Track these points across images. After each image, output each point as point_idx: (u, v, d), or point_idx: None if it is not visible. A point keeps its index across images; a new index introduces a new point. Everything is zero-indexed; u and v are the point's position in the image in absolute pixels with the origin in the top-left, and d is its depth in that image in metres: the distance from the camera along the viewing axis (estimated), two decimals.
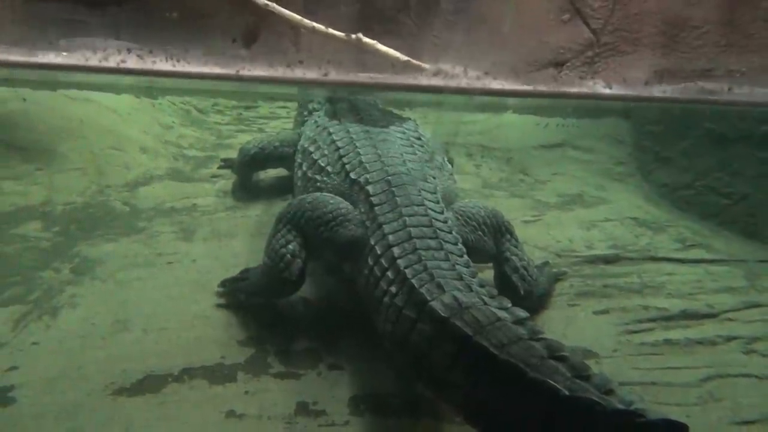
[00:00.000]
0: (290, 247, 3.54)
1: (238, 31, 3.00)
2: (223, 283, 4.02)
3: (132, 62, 2.77)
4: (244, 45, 2.99)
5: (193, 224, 4.84)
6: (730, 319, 4.01)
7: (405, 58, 3.33)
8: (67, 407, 3.08)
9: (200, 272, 4.20)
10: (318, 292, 4.05)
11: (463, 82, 3.12)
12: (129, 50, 2.74)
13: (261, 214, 5.03)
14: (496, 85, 3.28)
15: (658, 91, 3.39)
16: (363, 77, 3.06)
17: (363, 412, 3.18)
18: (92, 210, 4.90)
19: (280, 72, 2.97)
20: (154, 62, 2.77)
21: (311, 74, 2.96)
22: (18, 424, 3.00)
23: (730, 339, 3.83)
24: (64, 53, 2.75)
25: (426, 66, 3.35)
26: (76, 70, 2.87)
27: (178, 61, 2.81)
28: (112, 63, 2.76)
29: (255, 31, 3.01)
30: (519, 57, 3.44)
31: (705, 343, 3.79)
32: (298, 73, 2.94)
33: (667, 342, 3.80)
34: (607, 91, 3.33)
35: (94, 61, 2.75)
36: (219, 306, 3.88)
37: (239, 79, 2.93)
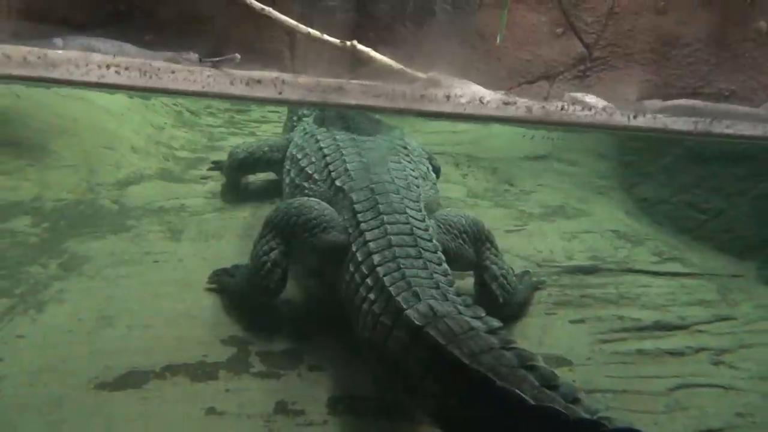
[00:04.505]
0: (272, 255, 3.61)
1: (205, 49, 3.13)
2: (215, 273, 4.12)
3: (111, 78, 2.91)
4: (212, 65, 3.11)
5: (181, 224, 4.89)
6: (700, 331, 4.13)
7: (399, 66, 3.39)
8: (51, 400, 3.13)
9: (186, 272, 4.26)
10: (301, 294, 4.12)
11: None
12: (108, 66, 2.87)
13: (249, 217, 5.09)
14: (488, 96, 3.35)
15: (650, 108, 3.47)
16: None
17: (341, 412, 3.25)
18: (82, 207, 4.94)
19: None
20: (129, 78, 2.90)
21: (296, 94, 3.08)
22: (1, 415, 3.04)
23: (699, 350, 3.95)
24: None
25: (420, 75, 3.40)
26: (62, 84, 3.04)
27: (150, 78, 2.93)
28: (93, 78, 2.90)
29: (218, 52, 3.12)
30: (512, 69, 3.50)
31: (675, 354, 3.91)
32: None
33: (639, 352, 3.91)
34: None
35: (77, 75, 2.88)
36: (203, 305, 3.94)
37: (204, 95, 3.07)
